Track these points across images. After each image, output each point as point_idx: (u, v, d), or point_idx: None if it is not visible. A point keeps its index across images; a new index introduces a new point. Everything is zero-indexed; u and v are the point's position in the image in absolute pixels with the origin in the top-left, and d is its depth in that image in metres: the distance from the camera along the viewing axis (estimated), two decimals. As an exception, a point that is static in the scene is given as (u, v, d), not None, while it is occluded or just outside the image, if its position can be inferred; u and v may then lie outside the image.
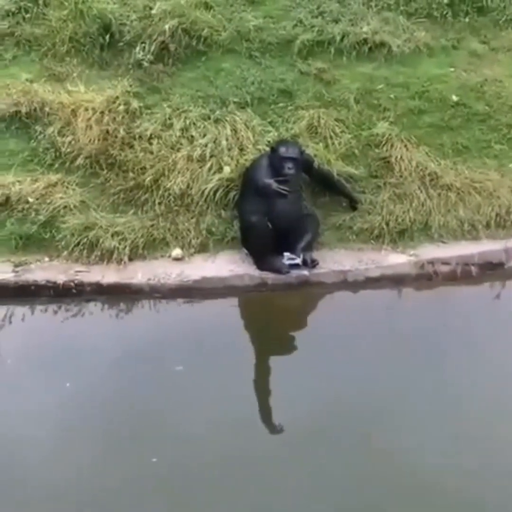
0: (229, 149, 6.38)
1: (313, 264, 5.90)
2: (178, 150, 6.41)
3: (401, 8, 7.34)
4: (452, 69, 7.07)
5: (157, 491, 4.46)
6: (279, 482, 4.50)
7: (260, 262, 5.93)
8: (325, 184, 6.27)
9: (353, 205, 6.26)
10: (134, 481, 4.51)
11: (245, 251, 6.02)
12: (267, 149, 6.24)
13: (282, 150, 5.93)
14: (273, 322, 5.76)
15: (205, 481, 4.50)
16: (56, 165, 6.40)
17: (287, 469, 4.57)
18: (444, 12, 7.34)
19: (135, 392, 5.05)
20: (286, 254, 5.87)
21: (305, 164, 6.05)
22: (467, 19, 7.36)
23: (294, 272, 5.88)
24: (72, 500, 4.41)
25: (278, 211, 5.87)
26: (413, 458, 4.61)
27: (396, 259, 6.02)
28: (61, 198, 6.18)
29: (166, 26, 6.85)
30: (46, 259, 5.99)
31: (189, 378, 5.12)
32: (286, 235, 5.89)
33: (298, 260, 5.87)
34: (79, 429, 4.78)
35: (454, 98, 6.85)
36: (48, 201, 6.16)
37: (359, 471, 4.56)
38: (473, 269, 6.01)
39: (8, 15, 7.17)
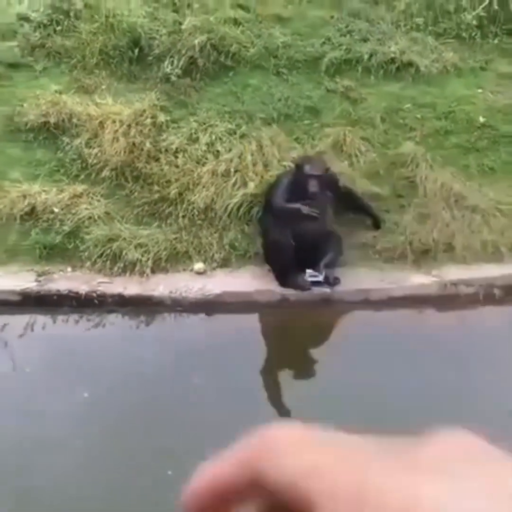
0: (254, 165, 6.40)
1: (335, 282, 5.88)
2: (203, 164, 6.44)
3: (430, 28, 7.36)
4: (479, 90, 7.06)
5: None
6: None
7: (282, 278, 5.92)
8: (349, 203, 6.23)
9: (376, 225, 6.25)
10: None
11: (268, 267, 6.01)
12: (292, 165, 6.25)
13: (307, 167, 5.90)
14: (293, 338, 5.75)
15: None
16: (82, 176, 6.45)
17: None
18: (473, 34, 7.35)
19: (154, 404, 5.05)
20: (309, 271, 5.85)
21: (330, 181, 6.03)
22: (496, 41, 7.37)
23: (316, 290, 5.86)
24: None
25: (301, 228, 5.86)
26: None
27: (419, 279, 5.99)
28: (86, 209, 6.22)
29: (196, 41, 6.92)
30: (69, 269, 6.02)
31: (207, 391, 5.12)
32: (309, 252, 5.88)
33: (320, 278, 5.85)
34: (94, 438, 4.79)
35: (481, 119, 6.83)
36: (73, 211, 6.21)
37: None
38: (496, 291, 5.96)
39: (39, 27, 7.28)
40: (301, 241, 5.84)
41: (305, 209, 5.79)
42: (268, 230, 5.97)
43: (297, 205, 5.80)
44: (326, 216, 6.03)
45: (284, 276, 5.90)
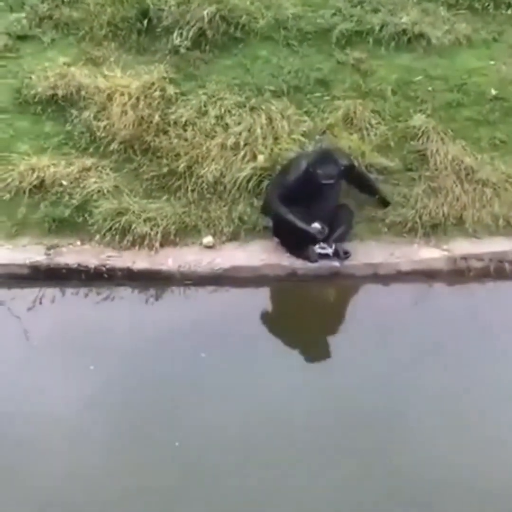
0: (263, 138, 6.36)
1: (345, 256, 5.86)
2: (213, 137, 6.40)
3: (442, -1, 7.25)
4: (492, 62, 6.97)
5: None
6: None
7: (292, 249, 5.91)
8: (361, 186, 6.17)
9: (385, 204, 6.18)
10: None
11: (277, 240, 5.99)
12: (303, 140, 6.22)
13: (320, 173, 5.71)
14: (302, 312, 5.74)
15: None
16: (91, 149, 6.43)
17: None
18: (486, 4, 7.25)
19: (161, 377, 5.07)
20: (319, 243, 5.84)
21: (345, 172, 5.88)
22: (509, 12, 7.27)
23: (325, 263, 5.84)
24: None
25: (312, 203, 5.82)
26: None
27: (429, 254, 5.96)
28: (95, 182, 6.21)
29: (205, 12, 6.84)
30: (78, 243, 6.02)
31: (214, 365, 5.13)
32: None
33: (329, 251, 5.84)
34: (100, 410, 4.83)
35: (493, 91, 6.75)
36: (82, 185, 6.19)
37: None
38: (507, 266, 5.93)
39: (47, -2, 7.21)
40: (312, 215, 5.81)
41: (313, 230, 5.79)
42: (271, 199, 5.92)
43: (306, 227, 5.77)
44: (337, 193, 5.96)
45: (293, 247, 5.89)
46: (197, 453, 4.61)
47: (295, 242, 5.89)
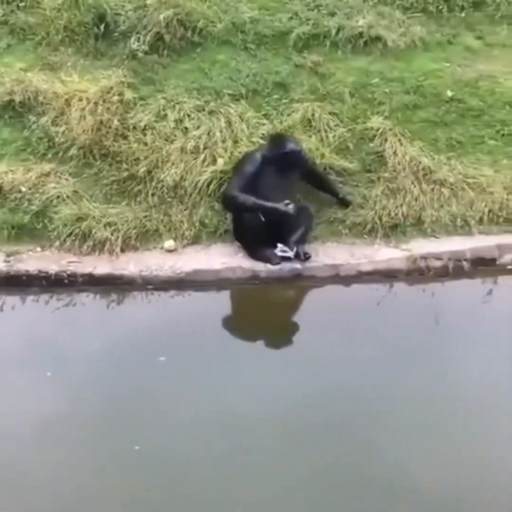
0: (223, 141, 6.37)
1: (306, 257, 5.90)
2: (172, 141, 6.40)
3: (397, 2, 7.34)
4: (447, 64, 7.07)
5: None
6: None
7: (252, 251, 5.94)
8: (318, 183, 6.24)
9: (344, 204, 6.24)
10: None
11: (238, 243, 6.01)
12: (262, 142, 6.25)
13: (289, 145, 5.89)
14: (264, 314, 5.76)
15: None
16: (49, 155, 6.39)
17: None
18: (440, 7, 7.34)
19: (122, 381, 5.05)
20: (280, 246, 5.87)
21: (299, 159, 6.02)
22: (463, 14, 7.36)
23: (286, 265, 5.87)
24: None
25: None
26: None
27: (389, 254, 6.02)
28: (54, 188, 6.17)
29: (161, 17, 6.83)
30: (39, 249, 5.98)
31: (176, 369, 5.13)
32: (279, 227, 5.89)
33: (290, 253, 5.87)
34: (59, 416, 4.78)
35: (449, 93, 6.85)
36: (41, 191, 6.15)
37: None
38: (465, 264, 6.01)
39: (2, 3, 7.16)
40: (271, 217, 5.84)
41: (282, 207, 5.82)
42: (229, 197, 5.93)
43: (275, 205, 5.80)
44: (294, 192, 6.04)
45: (254, 249, 5.91)
46: (157, 456, 4.59)
47: (255, 244, 5.91)
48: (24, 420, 4.73)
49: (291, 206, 5.85)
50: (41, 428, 4.69)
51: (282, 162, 5.89)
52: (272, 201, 5.84)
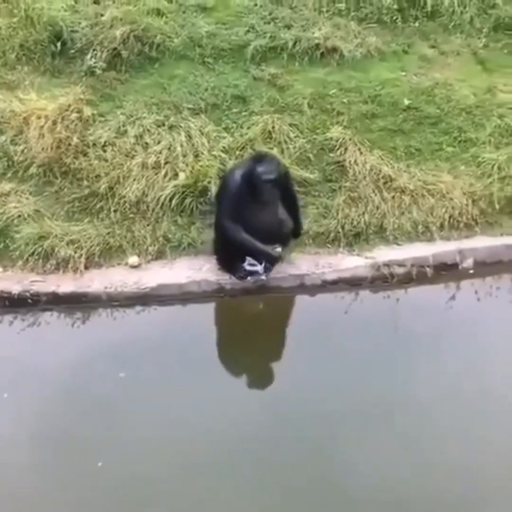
0: (184, 156, 6.38)
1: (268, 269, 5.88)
2: (133, 157, 6.39)
3: (352, 13, 7.43)
4: (403, 73, 7.17)
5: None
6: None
7: (220, 260, 5.91)
8: (286, 201, 5.92)
9: (296, 232, 6.06)
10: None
11: (215, 257, 5.95)
12: (223, 156, 6.27)
13: (261, 170, 5.56)
14: (230, 326, 5.77)
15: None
16: (9, 174, 6.34)
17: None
18: (394, 17, 7.45)
19: (85, 401, 5.04)
20: (249, 259, 5.83)
21: (282, 179, 5.77)
22: (417, 24, 7.48)
23: (251, 278, 5.85)
24: None
25: (255, 224, 5.70)
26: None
27: (352, 262, 6.06)
28: (15, 207, 6.12)
29: (117, 33, 6.83)
30: (0, 269, 5.91)
31: (142, 385, 5.13)
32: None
33: (259, 267, 5.82)
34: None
35: (406, 102, 6.93)
36: (1, 210, 6.10)
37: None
38: (428, 270, 6.07)
39: (-44, 23, 7.08)
40: (255, 234, 5.73)
41: (275, 253, 5.79)
42: (220, 219, 5.77)
43: (264, 248, 5.73)
44: (277, 207, 5.88)
45: (223, 259, 5.90)
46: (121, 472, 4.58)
47: (227, 256, 5.88)
48: None
49: (278, 250, 5.83)
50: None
51: (257, 185, 5.62)
52: (260, 219, 5.68)
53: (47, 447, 4.73)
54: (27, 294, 5.74)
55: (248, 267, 5.84)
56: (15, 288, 5.75)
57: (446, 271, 6.11)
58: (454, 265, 6.14)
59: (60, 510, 4.45)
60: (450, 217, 6.30)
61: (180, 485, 4.55)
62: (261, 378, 5.29)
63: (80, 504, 4.45)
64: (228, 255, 5.87)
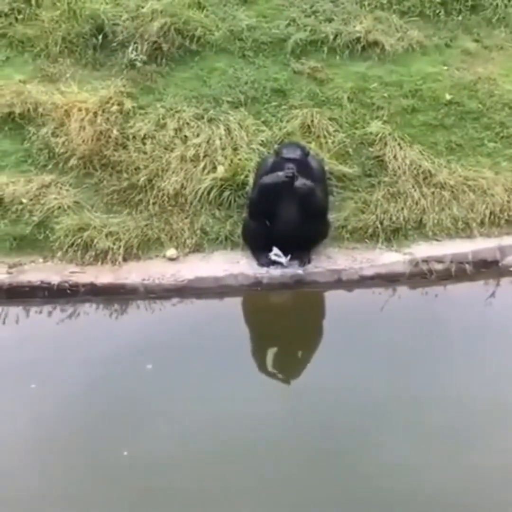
0: (223, 149, 6.38)
1: (307, 262, 5.88)
2: (172, 150, 6.41)
3: (394, 7, 7.36)
4: (445, 68, 7.08)
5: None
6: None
7: (252, 253, 5.98)
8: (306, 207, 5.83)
9: (317, 234, 5.97)
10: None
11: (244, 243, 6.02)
12: (262, 149, 6.27)
13: (284, 150, 5.75)
14: (267, 320, 5.76)
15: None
16: (50, 166, 6.40)
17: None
18: (437, 11, 7.36)
19: (126, 390, 5.08)
20: (275, 249, 5.84)
21: (308, 166, 5.77)
22: (460, 18, 7.38)
23: (288, 271, 5.84)
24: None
25: (281, 216, 5.76)
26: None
27: (391, 258, 6.02)
28: (55, 198, 6.18)
29: (158, 25, 6.85)
30: (40, 260, 5.98)
31: (177, 377, 5.16)
32: (289, 235, 5.80)
33: (283, 259, 5.84)
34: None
35: (448, 96, 6.85)
36: (42, 202, 6.16)
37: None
38: (468, 267, 6.01)
39: (0, 16, 7.16)
40: (279, 229, 5.78)
41: (265, 260, 5.87)
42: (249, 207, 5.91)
43: (256, 252, 5.89)
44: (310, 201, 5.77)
45: (253, 251, 5.96)
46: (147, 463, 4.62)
47: (255, 244, 5.93)
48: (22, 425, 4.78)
49: (274, 257, 5.85)
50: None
51: (279, 164, 5.70)
52: (285, 215, 5.75)
53: (83, 430, 4.81)
54: (66, 284, 5.80)
55: (273, 257, 5.86)
56: (55, 279, 5.82)
57: (486, 268, 6.04)
58: (494, 262, 6.06)
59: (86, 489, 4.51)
60: (490, 213, 6.23)
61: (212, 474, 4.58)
62: (292, 373, 5.27)
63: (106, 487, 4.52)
64: (252, 241, 5.94)
